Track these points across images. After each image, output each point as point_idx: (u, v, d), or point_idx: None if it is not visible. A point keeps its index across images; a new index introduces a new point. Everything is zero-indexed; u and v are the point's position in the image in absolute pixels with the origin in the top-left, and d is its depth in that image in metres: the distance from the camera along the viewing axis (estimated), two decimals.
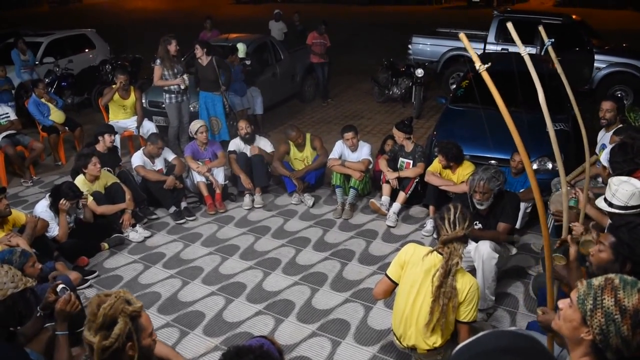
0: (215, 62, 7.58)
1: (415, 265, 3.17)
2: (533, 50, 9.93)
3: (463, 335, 3.12)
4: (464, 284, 3.09)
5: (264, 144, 6.68)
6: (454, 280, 3.04)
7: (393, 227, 5.74)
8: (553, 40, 2.88)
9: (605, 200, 3.35)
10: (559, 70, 3.08)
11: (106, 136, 6.19)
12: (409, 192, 5.91)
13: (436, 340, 3.14)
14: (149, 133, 6.92)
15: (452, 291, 3.02)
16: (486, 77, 2.24)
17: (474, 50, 2.30)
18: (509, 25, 2.42)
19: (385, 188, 6.05)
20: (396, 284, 3.32)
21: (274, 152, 6.68)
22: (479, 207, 4.23)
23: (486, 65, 2.21)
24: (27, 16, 19.91)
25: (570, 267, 2.87)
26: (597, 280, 1.67)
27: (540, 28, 3.08)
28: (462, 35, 2.28)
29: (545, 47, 2.88)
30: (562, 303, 1.77)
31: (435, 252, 3.14)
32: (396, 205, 5.85)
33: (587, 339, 1.63)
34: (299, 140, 6.52)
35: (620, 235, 2.51)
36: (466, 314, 3.10)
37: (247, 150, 6.58)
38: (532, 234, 5.51)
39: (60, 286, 3.01)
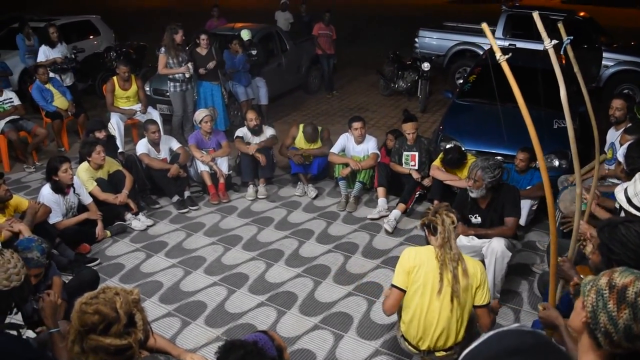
0: (214, 52, 7.57)
1: (422, 266, 3.13)
2: (540, 47, 9.85)
3: (484, 319, 3.16)
4: (475, 267, 3.14)
5: (270, 133, 6.62)
6: (456, 245, 3.10)
7: (390, 232, 5.50)
8: (572, 37, 2.83)
9: (626, 195, 3.02)
10: (576, 69, 3.02)
11: (96, 133, 6.13)
12: (411, 205, 5.87)
13: (459, 330, 3.15)
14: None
15: (459, 255, 3.07)
16: (506, 67, 2.20)
17: (495, 40, 2.27)
18: (535, 15, 2.37)
19: (380, 191, 5.99)
20: (404, 292, 3.20)
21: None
22: (470, 194, 4.20)
23: (507, 56, 2.16)
24: (32, 1, 19.78)
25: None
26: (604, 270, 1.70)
27: (560, 25, 3.01)
28: (484, 25, 2.25)
29: (564, 44, 2.81)
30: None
31: (431, 249, 3.16)
32: (396, 212, 5.69)
33: (584, 322, 1.64)
34: (310, 144, 6.53)
35: (601, 236, 2.46)
36: (482, 296, 3.14)
37: (255, 140, 6.53)
38: (538, 231, 5.47)
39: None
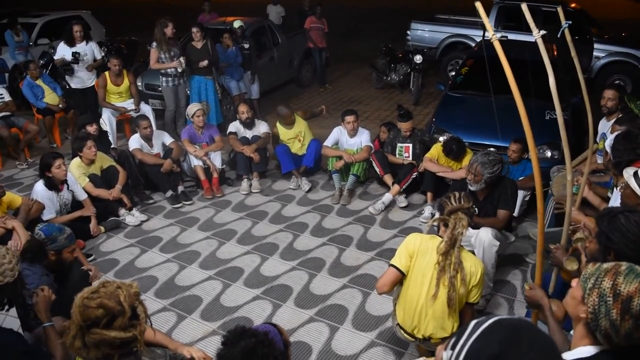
0: (209, 45, 7.54)
1: (424, 255, 3.14)
2: (532, 38, 9.87)
3: (467, 316, 3.19)
4: (477, 266, 3.15)
5: (264, 129, 6.64)
6: (460, 254, 3.08)
7: (375, 214, 5.63)
8: (570, 22, 2.84)
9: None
10: (573, 53, 3.04)
11: (88, 127, 6.11)
12: (405, 186, 5.88)
13: (453, 325, 3.15)
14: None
15: (460, 264, 3.05)
16: (498, 46, 2.22)
17: (487, 19, 2.28)
18: (524, 6, 2.38)
19: (387, 178, 6.01)
20: (403, 275, 3.21)
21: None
22: (469, 187, 4.22)
23: (499, 35, 2.18)
24: None
25: (580, 269, 2.81)
26: (607, 264, 1.69)
27: (559, 9, 3.03)
28: (478, 3, 2.26)
29: (562, 29, 2.84)
30: (575, 281, 1.77)
31: (438, 238, 3.17)
32: (388, 196, 5.74)
33: (583, 317, 1.65)
34: (288, 121, 6.56)
35: (600, 225, 2.48)
36: (475, 295, 3.17)
37: (247, 134, 6.54)
38: (531, 221, 5.50)
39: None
